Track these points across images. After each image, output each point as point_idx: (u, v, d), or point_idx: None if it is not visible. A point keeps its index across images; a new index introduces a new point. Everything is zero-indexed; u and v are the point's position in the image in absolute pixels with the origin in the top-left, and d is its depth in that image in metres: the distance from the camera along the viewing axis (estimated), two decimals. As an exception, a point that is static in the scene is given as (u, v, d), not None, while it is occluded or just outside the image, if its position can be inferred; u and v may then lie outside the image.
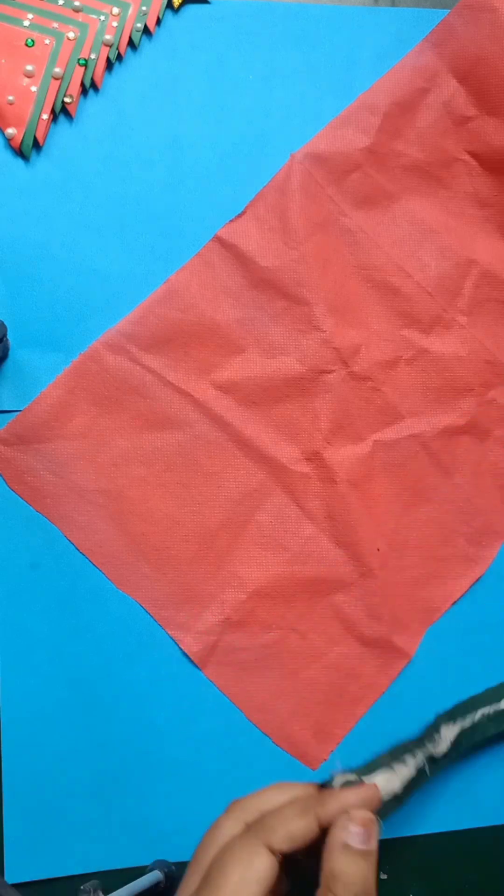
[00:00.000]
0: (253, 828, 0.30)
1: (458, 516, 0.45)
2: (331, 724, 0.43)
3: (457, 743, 0.40)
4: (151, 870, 0.41)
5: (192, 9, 0.44)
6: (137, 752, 0.42)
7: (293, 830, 0.29)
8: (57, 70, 0.42)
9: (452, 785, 0.44)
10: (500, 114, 0.44)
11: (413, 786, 0.37)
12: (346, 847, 0.29)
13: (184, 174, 0.44)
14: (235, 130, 0.44)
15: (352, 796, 0.31)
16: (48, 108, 0.42)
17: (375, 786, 0.33)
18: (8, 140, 0.42)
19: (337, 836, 0.29)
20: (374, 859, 0.29)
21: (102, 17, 0.42)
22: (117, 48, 0.43)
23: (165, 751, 0.42)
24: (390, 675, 0.44)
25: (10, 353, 0.42)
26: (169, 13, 0.44)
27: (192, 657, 0.43)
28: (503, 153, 0.44)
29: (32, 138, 0.42)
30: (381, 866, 0.44)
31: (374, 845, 0.29)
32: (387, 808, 0.35)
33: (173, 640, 0.43)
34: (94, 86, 0.43)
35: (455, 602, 0.45)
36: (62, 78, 0.42)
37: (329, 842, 0.29)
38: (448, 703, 0.44)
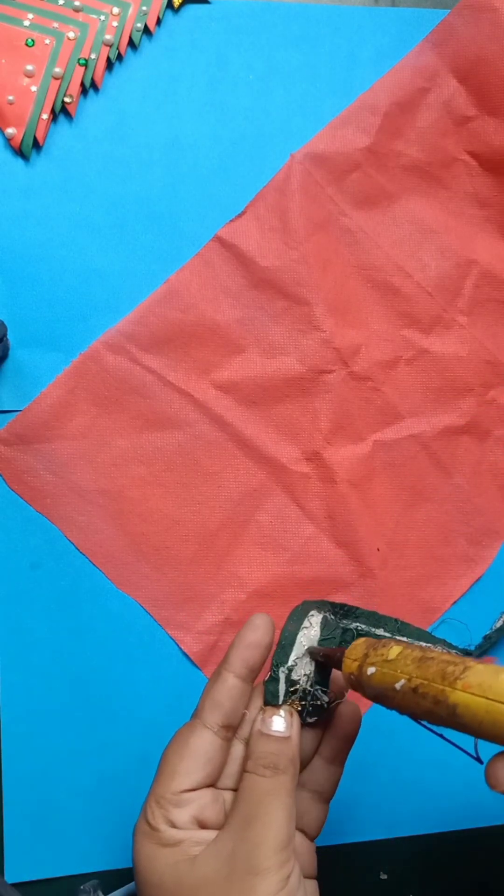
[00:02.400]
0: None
1: (458, 516, 0.45)
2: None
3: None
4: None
5: (192, 9, 0.44)
6: (137, 752, 0.42)
7: (215, 696, 0.33)
8: (57, 70, 0.42)
9: (453, 785, 0.44)
10: (501, 114, 0.44)
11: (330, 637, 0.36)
12: (258, 731, 0.32)
13: (184, 174, 0.44)
14: (235, 130, 0.44)
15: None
16: (48, 107, 0.42)
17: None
18: (8, 140, 0.42)
19: (255, 724, 0.33)
20: (285, 741, 0.32)
21: (102, 17, 0.42)
22: (117, 48, 0.43)
23: (165, 751, 0.42)
24: (390, 675, 0.44)
25: (10, 353, 0.42)
26: (169, 13, 0.44)
27: (192, 657, 0.43)
28: (503, 153, 0.44)
29: (32, 138, 0.42)
30: (381, 866, 0.44)
31: (279, 728, 0.32)
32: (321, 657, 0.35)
33: (173, 640, 0.43)
34: (94, 86, 0.43)
35: (455, 602, 0.45)
36: (62, 78, 0.42)
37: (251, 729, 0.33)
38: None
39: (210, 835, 0.31)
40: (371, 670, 0.31)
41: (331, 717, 0.35)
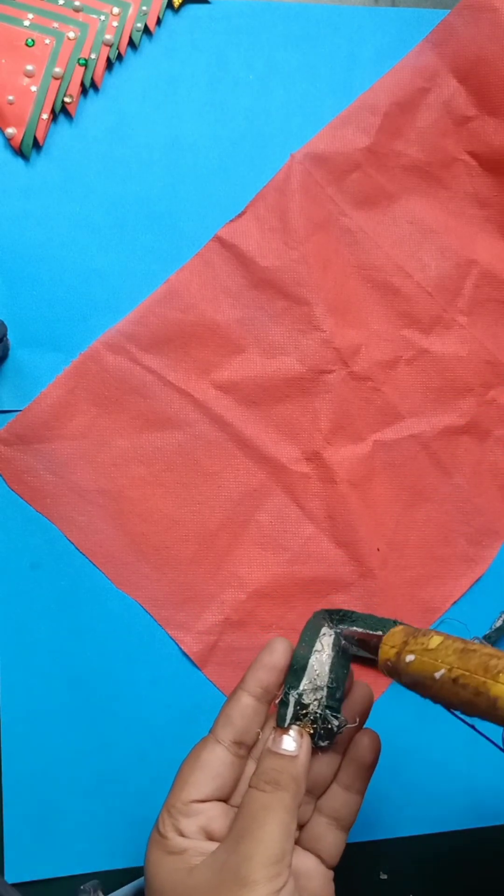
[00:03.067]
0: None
1: (457, 516, 0.45)
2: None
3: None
4: (151, 870, 0.41)
5: (192, 9, 0.44)
6: (137, 752, 0.42)
7: (228, 713, 0.34)
8: (57, 70, 0.42)
9: (452, 785, 0.44)
10: (501, 114, 0.44)
11: (341, 662, 0.36)
12: (267, 748, 0.33)
13: (184, 174, 0.44)
14: (235, 130, 0.44)
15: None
16: (48, 107, 0.42)
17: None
18: (8, 140, 0.42)
19: (266, 743, 0.34)
20: (290, 759, 0.33)
21: (102, 17, 0.42)
22: (117, 48, 0.43)
23: (165, 751, 0.42)
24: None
25: (10, 353, 0.42)
26: (169, 13, 0.44)
27: (192, 657, 0.43)
28: (503, 153, 0.44)
29: (32, 138, 0.42)
30: (381, 866, 0.44)
31: (288, 748, 0.33)
32: (336, 684, 0.35)
33: (173, 640, 0.43)
34: (94, 86, 0.43)
35: (455, 602, 0.45)
36: (62, 78, 0.42)
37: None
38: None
39: (214, 846, 0.32)
40: (410, 658, 0.31)
41: (348, 744, 0.36)
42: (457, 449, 0.46)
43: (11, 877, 0.41)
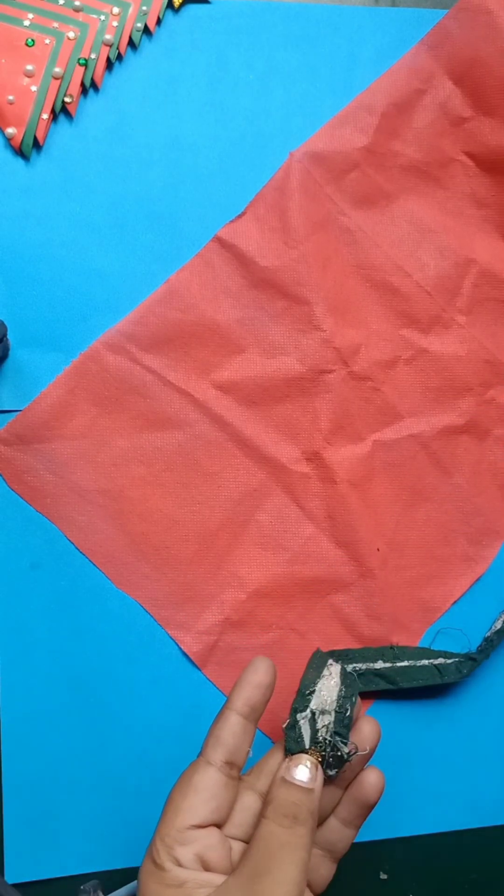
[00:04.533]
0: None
1: (457, 516, 0.45)
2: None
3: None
4: (151, 870, 0.41)
5: (192, 9, 0.44)
6: (137, 752, 0.42)
7: (217, 734, 0.33)
8: (57, 70, 0.42)
9: (452, 785, 0.44)
10: (497, 115, 0.44)
11: (348, 691, 0.36)
12: (281, 778, 0.32)
13: (184, 174, 0.44)
14: (235, 130, 0.44)
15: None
16: (48, 107, 0.42)
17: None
18: (8, 140, 0.42)
19: (278, 770, 0.33)
20: (308, 792, 0.32)
21: (102, 17, 0.42)
22: (117, 48, 0.43)
23: (165, 751, 0.42)
24: (390, 674, 0.44)
25: (10, 353, 0.42)
26: (169, 13, 0.44)
27: (192, 657, 0.43)
28: (500, 154, 0.44)
29: (32, 138, 0.42)
30: (381, 866, 0.44)
31: (302, 778, 0.32)
32: (342, 713, 0.34)
33: (173, 640, 0.43)
34: (94, 86, 0.43)
35: (455, 602, 0.45)
36: (62, 78, 0.42)
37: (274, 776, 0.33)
38: (447, 702, 0.45)
39: (215, 878, 0.31)
40: None
41: (351, 779, 0.35)
42: (456, 448, 0.46)
43: (11, 877, 0.41)
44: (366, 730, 0.35)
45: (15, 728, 0.42)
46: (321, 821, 0.35)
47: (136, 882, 0.40)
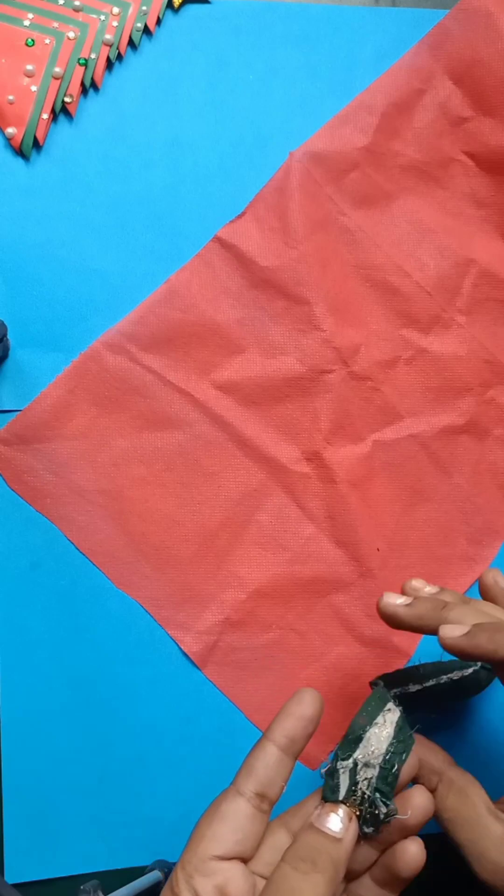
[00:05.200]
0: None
1: (457, 516, 0.45)
2: (330, 723, 0.43)
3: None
4: (151, 870, 0.41)
5: (192, 9, 0.44)
6: (137, 752, 0.42)
7: (251, 763, 0.32)
8: (57, 70, 0.42)
9: (452, 784, 0.44)
10: (496, 115, 0.44)
11: (401, 732, 0.33)
12: (310, 823, 0.30)
13: (184, 174, 0.44)
14: (235, 130, 0.44)
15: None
16: (48, 107, 0.42)
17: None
18: (8, 140, 0.42)
19: (310, 817, 0.31)
20: (334, 841, 0.30)
21: (102, 17, 0.42)
22: (117, 48, 0.43)
23: (165, 751, 0.42)
24: (390, 674, 0.44)
25: (10, 353, 0.42)
26: (169, 13, 0.44)
27: (191, 657, 0.43)
28: (499, 153, 0.44)
29: (32, 138, 0.42)
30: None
31: (333, 827, 0.30)
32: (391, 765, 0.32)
33: (173, 640, 0.43)
34: (94, 85, 0.43)
35: (455, 602, 0.45)
36: (62, 78, 0.42)
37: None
38: (447, 703, 0.44)
39: None
40: None
41: (388, 844, 0.32)
42: (456, 448, 0.46)
43: (11, 877, 0.41)
44: (416, 800, 0.32)
45: (15, 728, 0.42)
46: (356, 875, 0.33)
47: (136, 882, 0.40)
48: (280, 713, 0.33)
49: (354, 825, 0.30)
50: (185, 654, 0.43)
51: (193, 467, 0.43)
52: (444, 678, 0.40)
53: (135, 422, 0.43)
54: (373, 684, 0.38)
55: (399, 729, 0.32)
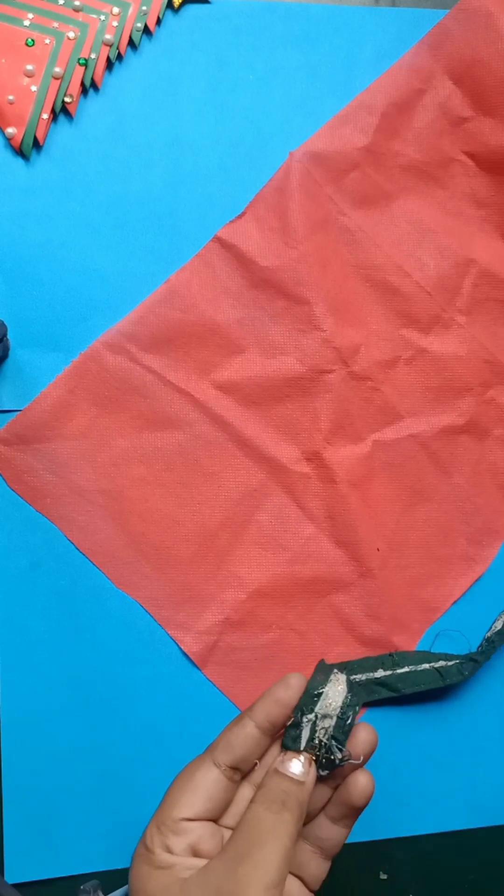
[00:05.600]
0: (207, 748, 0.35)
1: (457, 516, 0.45)
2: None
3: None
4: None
5: (192, 9, 0.44)
6: (137, 752, 0.42)
7: (230, 739, 0.34)
8: (57, 70, 0.42)
9: (452, 785, 0.44)
10: (496, 115, 0.44)
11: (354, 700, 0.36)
12: (274, 769, 0.33)
13: (184, 174, 0.44)
14: (235, 130, 0.44)
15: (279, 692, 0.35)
16: (48, 107, 0.42)
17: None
18: (8, 139, 0.42)
19: (273, 764, 0.33)
20: (298, 784, 0.32)
21: (102, 17, 0.42)
22: (117, 48, 0.43)
23: (165, 751, 0.42)
24: (390, 674, 0.44)
25: (10, 353, 0.42)
26: (169, 13, 0.44)
27: (191, 657, 0.43)
28: (500, 153, 0.44)
29: (32, 138, 0.42)
30: (381, 866, 0.44)
31: (296, 771, 0.33)
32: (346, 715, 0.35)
33: (173, 640, 0.43)
34: (94, 85, 0.43)
35: (455, 602, 0.45)
36: (62, 77, 0.42)
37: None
38: (447, 703, 0.45)
39: (202, 862, 0.31)
40: None
41: (342, 780, 0.35)
42: (456, 448, 0.46)
43: (11, 877, 0.41)
44: (361, 736, 0.35)
45: (15, 728, 0.42)
46: (311, 817, 0.35)
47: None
48: (266, 695, 0.35)
49: (314, 769, 0.34)
50: (185, 654, 0.43)
51: (193, 467, 0.43)
52: (424, 665, 0.43)
53: (135, 422, 0.43)
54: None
55: (350, 685, 0.36)
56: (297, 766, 0.33)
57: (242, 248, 0.43)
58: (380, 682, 0.43)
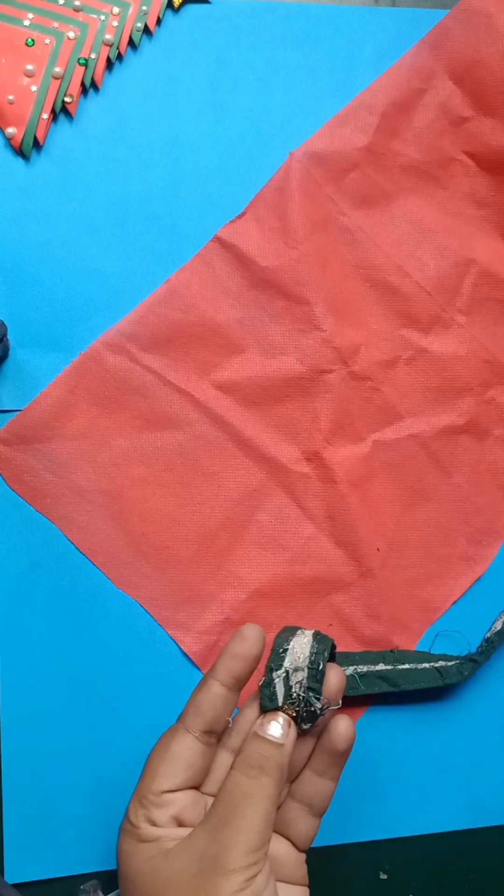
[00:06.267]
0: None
1: (457, 516, 0.45)
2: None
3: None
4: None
5: (192, 9, 0.44)
6: (137, 752, 0.42)
7: (198, 703, 0.34)
8: (57, 70, 0.42)
9: (452, 785, 0.44)
10: (497, 114, 0.44)
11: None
12: (253, 733, 0.33)
13: (184, 174, 0.44)
14: (235, 130, 0.44)
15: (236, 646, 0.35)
16: (48, 107, 0.42)
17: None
18: (8, 139, 0.42)
19: (252, 727, 0.33)
20: (277, 746, 0.32)
21: (103, 17, 0.42)
22: (117, 48, 0.43)
23: (165, 751, 0.42)
24: (390, 674, 0.44)
25: (10, 353, 0.42)
26: (169, 13, 0.44)
27: (192, 657, 0.43)
28: (500, 153, 0.44)
29: (32, 138, 0.42)
30: (380, 866, 0.44)
31: (275, 734, 0.33)
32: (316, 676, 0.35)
33: (173, 640, 0.43)
34: (94, 85, 0.43)
35: (455, 602, 0.45)
36: (62, 77, 0.42)
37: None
38: (447, 703, 0.45)
39: (187, 832, 0.32)
40: None
41: (323, 730, 0.35)
42: (456, 448, 0.46)
43: (11, 877, 0.41)
44: (331, 678, 0.35)
45: (15, 728, 0.42)
46: (296, 774, 0.36)
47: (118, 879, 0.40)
48: (224, 652, 0.35)
49: (293, 729, 0.33)
50: (185, 654, 0.43)
51: (193, 467, 0.43)
52: (424, 665, 0.43)
53: (135, 422, 0.43)
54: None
55: (317, 636, 0.35)
56: (275, 728, 0.33)
57: (242, 248, 0.43)
58: (381, 676, 0.43)
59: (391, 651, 0.43)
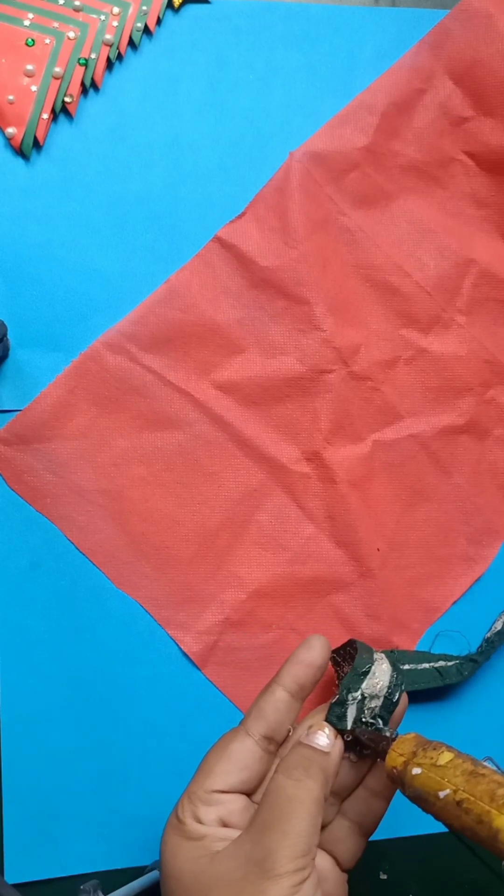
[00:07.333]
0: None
1: (457, 516, 0.45)
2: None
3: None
4: (151, 870, 0.41)
5: (192, 9, 0.44)
6: (137, 752, 0.42)
7: (261, 707, 0.34)
8: (57, 70, 0.42)
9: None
10: (497, 115, 0.44)
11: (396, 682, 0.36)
12: (298, 741, 0.33)
13: (184, 174, 0.44)
14: (235, 130, 0.44)
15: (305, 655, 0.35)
16: (48, 107, 0.42)
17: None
18: (8, 139, 0.42)
19: (299, 737, 0.34)
20: (322, 753, 0.32)
21: (103, 17, 0.42)
22: (117, 48, 0.43)
23: (165, 751, 0.42)
24: (390, 674, 0.44)
25: (10, 353, 0.42)
26: (169, 13, 0.44)
27: (191, 657, 0.43)
28: (500, 153, 0.45)
29: (33, 138, 0.42)
30: (380, 866, 0.44)
31: (321, 743, 0.33)
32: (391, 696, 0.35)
33: (173, 640, 0.43)
34: (94, 85, 0.43)
35: (455, 602, 0.45)
36: (62, 77, 0.42)
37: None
38: (447, 703, 0.45)
39: (234, 833, 0.31)
40: (416, 771, 0.31)
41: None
42: (456, 448, 0.46)
43: (11, 877, 0.41)
44: (399, 708, 0.36)
45: (15, 728, 0.42)
46: (349, 790, 0.35)
47: (136, 882, 0.40)
48: (290, 660, 0.35)
49: (340, 742, 0.34)
50: (185, 654, 0.43)
51: (193, 467, 0.43)
52: (424, 665, 0.43)
53: (135, 422, 0.43)
54: (351, 641, 0.39)
55: (394, 665, 0.36)
56: (322, 738, 0.33)
57: (242, 248, 0.43)
58: None
59: (391, 651, 0.43)
